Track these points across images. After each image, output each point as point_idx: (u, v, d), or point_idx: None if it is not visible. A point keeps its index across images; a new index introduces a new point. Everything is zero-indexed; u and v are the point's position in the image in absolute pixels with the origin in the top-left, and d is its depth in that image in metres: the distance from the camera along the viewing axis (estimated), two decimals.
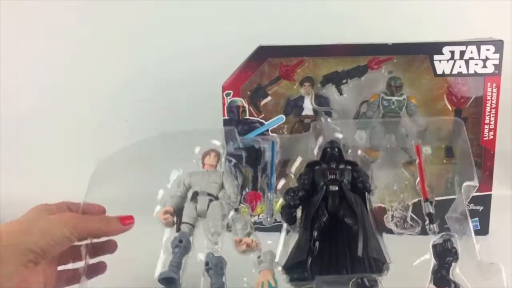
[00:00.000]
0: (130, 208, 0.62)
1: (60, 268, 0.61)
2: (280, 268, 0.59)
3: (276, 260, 0.60)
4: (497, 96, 0.81)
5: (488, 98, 0.81)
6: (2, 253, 0.48)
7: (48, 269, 0.57)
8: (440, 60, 0.81)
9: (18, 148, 1.15)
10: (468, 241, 0.70)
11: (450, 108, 0.84)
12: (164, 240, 0.64)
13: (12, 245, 0.49)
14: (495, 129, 0.82)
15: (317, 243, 0.57)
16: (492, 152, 0.83)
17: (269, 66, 0.85)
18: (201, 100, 1.08)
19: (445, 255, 0.59)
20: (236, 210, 0.65)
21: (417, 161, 0.66)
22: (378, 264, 0.58)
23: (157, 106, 1.13)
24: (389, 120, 0.84)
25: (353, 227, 0.58)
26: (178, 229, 0.63)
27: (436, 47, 0.81)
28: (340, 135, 0.71)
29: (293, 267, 0.59)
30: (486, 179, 0.84)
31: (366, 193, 0.64)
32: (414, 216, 0.66)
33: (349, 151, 0.66)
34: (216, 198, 0.65)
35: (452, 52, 0.81)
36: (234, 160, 0.70)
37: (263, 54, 0.84)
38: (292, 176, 0.81)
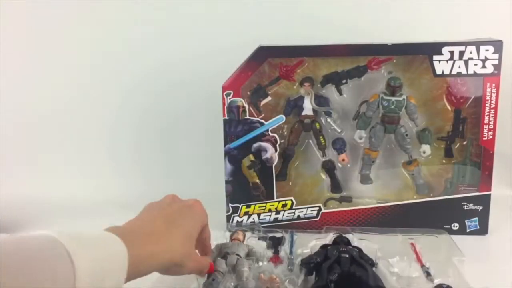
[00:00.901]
0: None
1: None
2: None
3: None
4: (496, 96, 0.81)
5: (488, 98, 0.81)
6: None
7: None
8: (439, 61, 0.82)
9: (17, 148, 1.15)
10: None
11: (450, 108, 0.84)
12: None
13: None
14: (494, 129, 0.82)
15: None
16: (491, 152, 0.83)
17: (269, 66, 0.85)
18: (201, 100, 1.08)
19: None
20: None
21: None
22: None
23: (157, 106, 1.13)
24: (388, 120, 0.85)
25: (364, 275, 0.62)
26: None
27: (435, 48, 0.81)
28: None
29: None
30: (486, 179, 0.84)
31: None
32: None
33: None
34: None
35: (452, 53, 0.81)
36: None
37: (263, 54, 0.84)
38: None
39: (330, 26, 1.04)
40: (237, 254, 0.69)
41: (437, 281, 0.65)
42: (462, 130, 0.84)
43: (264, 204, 0.89)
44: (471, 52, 0.80)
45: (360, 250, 0.68)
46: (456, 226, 0.85)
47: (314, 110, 0.87)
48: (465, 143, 0.84)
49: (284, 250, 0.75)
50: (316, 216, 0.88)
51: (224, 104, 0.86)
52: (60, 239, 0.39)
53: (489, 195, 0.84)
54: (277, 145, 0.87)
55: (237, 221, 0.89)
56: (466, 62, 0.81)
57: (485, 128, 0.82)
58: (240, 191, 0.89)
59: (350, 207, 0.88)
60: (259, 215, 0.89)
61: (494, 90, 0.81)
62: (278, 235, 0.78)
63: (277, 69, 0.85)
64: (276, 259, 0.72)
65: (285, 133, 0.88)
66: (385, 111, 0.85)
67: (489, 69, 0.80)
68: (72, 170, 1.14)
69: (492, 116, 0.82)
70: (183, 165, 1.13)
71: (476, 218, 0.85)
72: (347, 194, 0.89)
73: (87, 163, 1.16)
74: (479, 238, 0.84)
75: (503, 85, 0.81)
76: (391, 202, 0.87)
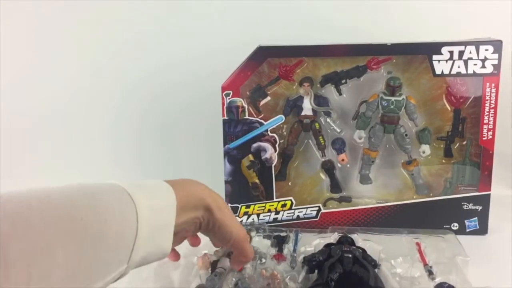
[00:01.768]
0: None
1: None
2: None
3: None
4: (496, 96, 0.81)
5: (487, 98, 0.81)
6: None
7: None
8: (439, 60, 0.81)
9: (18, 148, 1.15)
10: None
11: (449, 108, 0.84)
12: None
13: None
14: (494, 129, 0.82)
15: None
16: (491, 152, 0.83)
17: (268, 66, 0.85)
18: (200, 100, 1.08)
19: None
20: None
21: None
22: None
23: (157, 106, 1.13)
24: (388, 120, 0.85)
25: (366, 275, 0.62)
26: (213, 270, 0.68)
27: (435, 47, 0.81)
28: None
29: None
30: (485, 179, 0.84)
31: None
32: None
33: None
34: None
35: (451, 52, 0.81)
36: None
37: (262, 54, 0.84)
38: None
39: (329, 26, 1.04)
40: None
41: (438, 280, 0.65)
42: (462, 130, 0.84)
43: (263, 204, 0.89)
44: (470, 52, 0.80)
45: (364, 250, 0.68)
46: (456, 226, 0.85)
47: (313, 110, 0.87)
48: (464, 143, 0.84)
49: (287, 248, 0.75)
50: (316, 216, 0.88)
51: (223, 104, 0.86)
52: (120, 184, 0.46)
53: (489, 195, 0.84)
54: (277, 145, 0.87)
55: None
56: (465, 62, 0.81)
57: (485, 128, 0.82)
58: (239, 191, 0.89)
59: (350, 207, 0.88)
60: (258, 215, 0.89)
61: (493, 90, 0.81)
62: (283, 234, 0.79)
63: (277, 69, 0.85)
64: (279, 256, 0.73)
65: (285, 133, 0.88)
66: (384, 111, 0.85)
67: (489, 69, 0.80)
68: (72, 170, 1.14)
69: (491, 116, 0.82)
70: (182, 165, 1.13)
71: (476, 218, 0.85)
72: (346, 194, 0.89)
73: (88, 163, 1.16)
74: (479, 238, 0.84)
75: (502, 85, 0.81)
76: (390, 202, 0.87)
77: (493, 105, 0.81)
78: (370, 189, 0.88)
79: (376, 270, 0.66)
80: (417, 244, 0.73)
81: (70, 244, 0.36)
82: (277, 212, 0.89)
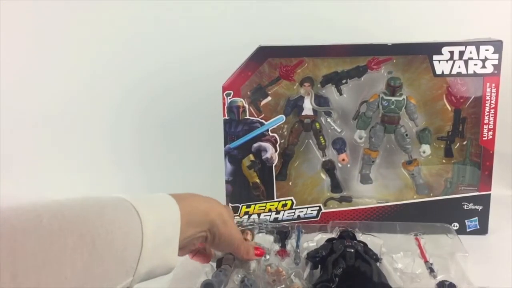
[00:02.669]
0: None
1: None
2: None
3: None
4: (496, 96, 0.81)
5: (487, 98, 0.81)
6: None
7: None
8: (439, 61, 0.82)
9: (18, 148, 1.15)
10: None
11: (450, 108, 0.84)
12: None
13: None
14: (494, 129, 0.82)
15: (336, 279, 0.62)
16: (491, 152, 0.83)
17: (269, 66, 0.85)
18: (201, 100, 1.08)
19: None
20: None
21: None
22: None
23: (157, 106, 1.13)
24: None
25: (369, 270, 0.62)
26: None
27: (435, 48, 0.81)
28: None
29: None
30: (485, 179, 0.84)
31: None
32: None
33: None
34: None
35: (452, 53, 0.81)
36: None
37: (263, 54, 0.84)
38: None
39: (330, 26, 1.04)
40: None
41: (440, 278, 0.65)
42: (462, 130, 0.84)
43: (264, 204, 0.89)
44: (471, 52, 0.80)
45: (365, 244, 0.69)
46: (456, 226, 0.85)
47: (314, 110, 0.87)
48: (465, 143, 0.84)
49: (290, 244, 0.76)
50: (316, 216, 0.88)
51: (224, 104, 0.86)
52: (126, 198, 0.47)
53: (489, 195, 0.84)
54: (277, 145, 0.87)
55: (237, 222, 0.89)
56: (466, 62, 0.81)
57: (485, 128, 0.83)
58: (240, 191, 0.89)
59: (350, 207, 0.88)
60: (259, 215, 0.89)
61: (494, 90, 0.81)
62: (285, 229, 0.79)
63: (277, 69, 0.85)
64: (283, 252, 0.73)
65: (285, 133, 0.88)
66: (385, 111, 0.85)
67: (489, 69, 0.81)
68: (72, 171, 1.14)
69: (492, 116, 0.82)
70: (183, 165, 1.13)
71: (476, 218, 0.85)
72: (347, 194, 0.89)
73: (88, 164, 1.16)
74: (479, 238, 0.84)
75: (502, 85, 0.81)
76: (391, 202, 0.87)
77: (493, 105, 0.81)
78: (370, 189, 0.88)
79: (378, 264, 0.66)
80: (417, 239, 0.73)
81: (78, 258, 0.38)
82: (277, 212, 0.89)
